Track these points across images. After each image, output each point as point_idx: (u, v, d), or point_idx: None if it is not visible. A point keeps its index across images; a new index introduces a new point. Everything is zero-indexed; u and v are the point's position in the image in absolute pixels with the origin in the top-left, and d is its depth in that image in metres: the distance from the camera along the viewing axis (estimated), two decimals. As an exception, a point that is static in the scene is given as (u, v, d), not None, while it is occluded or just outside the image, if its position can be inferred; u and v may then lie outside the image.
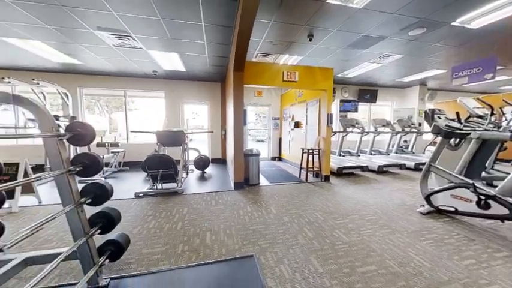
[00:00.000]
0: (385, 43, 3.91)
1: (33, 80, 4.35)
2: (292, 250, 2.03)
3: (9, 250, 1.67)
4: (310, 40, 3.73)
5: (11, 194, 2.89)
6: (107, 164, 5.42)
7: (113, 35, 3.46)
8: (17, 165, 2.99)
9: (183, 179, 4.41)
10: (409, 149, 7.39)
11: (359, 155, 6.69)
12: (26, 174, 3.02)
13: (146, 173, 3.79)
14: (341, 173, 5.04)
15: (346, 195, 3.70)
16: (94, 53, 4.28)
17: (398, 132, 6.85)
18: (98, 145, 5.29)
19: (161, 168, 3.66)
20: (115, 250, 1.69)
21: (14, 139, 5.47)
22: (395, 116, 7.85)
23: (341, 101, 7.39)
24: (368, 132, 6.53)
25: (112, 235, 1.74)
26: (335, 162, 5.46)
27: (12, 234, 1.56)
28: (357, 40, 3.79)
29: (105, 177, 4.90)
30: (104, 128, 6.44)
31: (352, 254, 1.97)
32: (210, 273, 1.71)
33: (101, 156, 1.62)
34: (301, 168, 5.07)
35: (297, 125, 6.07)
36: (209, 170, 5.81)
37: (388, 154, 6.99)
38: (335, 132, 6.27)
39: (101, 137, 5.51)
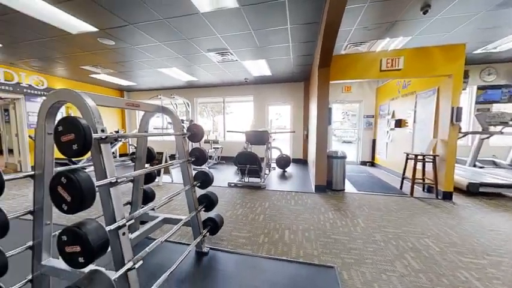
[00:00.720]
0: None
1: (171, 95, 6.27)
2: (386, 277, 1.66)
3: (157, 210, 2.50)
4: (424, 13, 2.86)
5: (158, 172, 4.32)
6: (210, 157, 6.84)
7: (217, 53, 4.29)
8: (162, 154, 4.42)
9: (265, 175, 4.76)
10: None
11: (515, 169, 4.39)
12: (166, 161, 4.41)
13: (236, 167, 4.43)
14: (475, 191, 3.53)
15: (484, 224, 2.55)
16: (205, 70, 5.51)
17: None
18: (205, 142, 6.80)
19: (248, 163, 4.15)
20: (213, 226, 2.11)
21: (160, 136, 8.11)
22: None
23: (480, 88, 5.15)
24: (539, 134, 4.14)
25: (211, 214, 2.18)
26: (464, 175, 3.90)
27: (158, 200, 2.31)
28: (519, -7, 2.48)
29: (208, 168, 6.21)
30: (209, 129, 8.18)
31: (494, 313, 1.33)
32: (288, 271, 1.74)
33: (207, 151, 2.08)
34: (403, 178, 4.04)
35: (400, 123, 4.87)
36: (290, 169, 5.90)
37: None
38: (465, 133, 4.48)
39: (207, 136, 7.04)
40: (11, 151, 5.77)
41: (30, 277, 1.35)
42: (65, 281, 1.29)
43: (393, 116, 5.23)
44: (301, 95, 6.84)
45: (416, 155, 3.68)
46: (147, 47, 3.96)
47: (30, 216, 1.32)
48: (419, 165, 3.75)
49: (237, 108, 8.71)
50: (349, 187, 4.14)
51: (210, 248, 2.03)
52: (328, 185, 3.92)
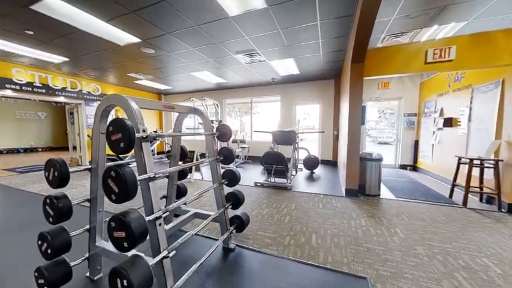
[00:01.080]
0: None
1: (202, 97, 6.63)
2: (431, 296, 1.47)
3: (188, 205, 2.68)
4: (485, -8, 2.43)
5: (190, 170, 4.61)
6: (237, 157, 7.02)
7: (246, 55, 4.38)
8: (193, 152, 4.71)
9: (292, 176, 4.67)
10: None
11: None
12: (197, 159, 4.69)
13: (263, 167, 4.45)
14: (556, 205, 2.85)
15: None
16: (233, 72, 5.67)
17: None
18: (233, 141, 7.01)
19: (274, 163, 4.13)
20: (239, 224, 2.16)
21: (192, 136, 8.65)
22: None
23: None
24: None
25: (238, 212, 2.24)
26: (539, 185, 3.18)
27: (189, 195, 2.49)
28: None
29: (235, 167, 6.38)
30: (236, 129, 8.39)
31: None
32: (314, 276, 1.67)
33: (234, 150, 2.14)
34: (454, 185, 3.51)
35: (450, 122, 4.25)
36: (318, 170, 5.67)
37: None
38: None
39: (235, 135, 7.25)
40: (74, 148, 6.88)
41: (87, 255, 1.58)
42: (113, 262, 1.47)
43: (441, 113, 4.59)
44: (331, 93, 6.51)
45: (471, 159, 3.15)
46: (182, 53, 4.27)
47: (87, 203, 1.55)
48: (475, 171, 3.21)
49: (263, 108, 8.74)
50: (385, 192, 3.78)
51: (237, 245, 2.08)
52: (361, 189, 3.65)
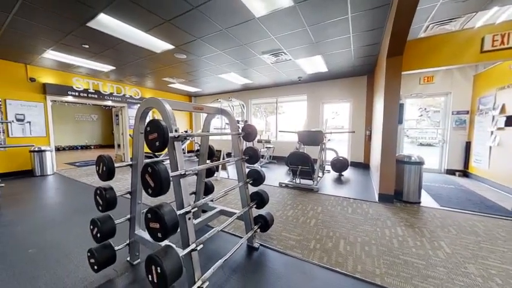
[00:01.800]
0: None
1: (229, 98, 6.83)
2: (485, 324, 1.26)
3: (215, 202, 2.79)
4: None
5: (217, 168, 4.80)
6: (262, 156, 7.05)
7: (271, 54, 4.37)
8: (220, 151, 4.88)
9: (319, 178, 4.50)
10: None
11: None
12: (223, 158, 4.85)
13: (288, 167, 4.37)
14: None
15: None
16: (259, 73, 5.71)
17: None
18: (258, 141, 7.06)
19: (300, 164, 4.03)
20: (264, 223, 2.17)
21: (219, 136, 8.97)
22: None
23: None
24: None
25: (262, 211, 2.24)
26: None
27: (216, 193, 2.59)
28: None
29: (260, 166, 6.42)
30: (262, 129, 8.43)
31: None
32: (342, 285, 1.58)
33: (259, 150, 2.15)
34: (519, 195, 2.94)
35: (514, 121, 3.57)
36: (347, 173, 5.35)
37: None
38: None
39: (260, 135, 7.29)
40: (119, 145, 7.77)
41: (128, 242, 1.77)
42: (149, 250, 1.62)
43: (503, 110, 3.89)
44: (363, 91, 6.07)
45: (544, 166, 2.60)
46: (210, 56, 4.47)
47: (128, 196, 1.74)
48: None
49: (289, 108, 8.60)
50: (427, 200, 3.37)
51: (261, 245, 2.09)
52: (397, 195, 3.32)
